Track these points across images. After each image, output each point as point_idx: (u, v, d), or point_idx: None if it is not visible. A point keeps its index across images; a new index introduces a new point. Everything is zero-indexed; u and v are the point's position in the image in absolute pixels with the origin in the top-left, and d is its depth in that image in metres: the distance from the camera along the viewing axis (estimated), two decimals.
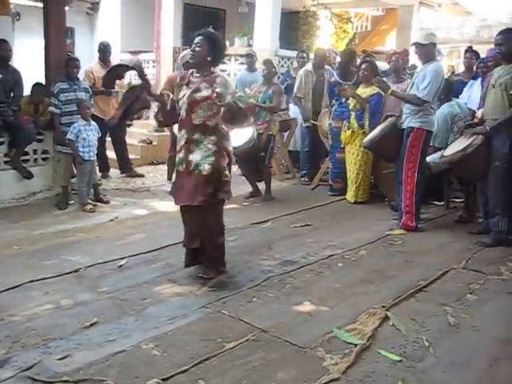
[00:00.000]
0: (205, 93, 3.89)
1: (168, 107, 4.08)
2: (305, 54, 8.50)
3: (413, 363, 2.97)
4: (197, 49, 3.91)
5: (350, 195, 6.65)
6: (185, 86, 4.05)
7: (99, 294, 3.77)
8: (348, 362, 2.93)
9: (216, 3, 13.46)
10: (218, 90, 3.87)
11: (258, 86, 6.77)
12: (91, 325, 3.30)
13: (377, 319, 3.44)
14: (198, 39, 3.92)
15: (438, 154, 5.60)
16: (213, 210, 4.06)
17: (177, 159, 4.05)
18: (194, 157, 3.91)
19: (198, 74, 4.01)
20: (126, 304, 3.62)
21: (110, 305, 3.61)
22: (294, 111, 7.92)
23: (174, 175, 4.19)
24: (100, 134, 6.29)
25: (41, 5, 7.36)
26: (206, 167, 3.88)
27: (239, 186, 7.39)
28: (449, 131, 5.85)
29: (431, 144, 5.64)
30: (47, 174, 6.34)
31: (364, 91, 6.43)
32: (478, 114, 5.28)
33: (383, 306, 3.61)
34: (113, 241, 4.95)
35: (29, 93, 6.27)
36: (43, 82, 6.46)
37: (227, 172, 4.03)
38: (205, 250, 4.14)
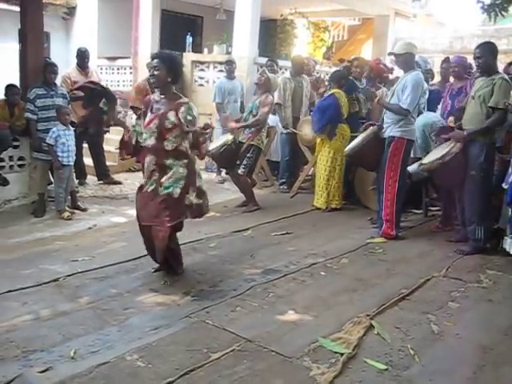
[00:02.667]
0: (173, 119, 3.92)
1: (130, 140, 4.15)
2: (274, 63, 8.56)
3: (399, 372, 2.98)
4: (156, 72, 3.94)
5: (320, 202, 6.65)
6: (149, 112, 4.04)
7: (80, 304, 3.70)
8: (335, 371, 2.93)
9: (194, 10, 13.42)
10: (182, 117, 3.92)
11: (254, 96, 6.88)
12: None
13: (361, 328, 3.44)
14: (155, 62, 3.95)
15: (418, 163, 5.65)
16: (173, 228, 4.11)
17: (146, 181, 4.05)
18: (167, 180, 3.95)
19: (162, 96, 4.03)
20: (108, 314, 3.56)
21: (91, 315, 3.54)
22: (272, 119, 7.92)
23: None
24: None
25: (16, 8, 7.26)
26: (177, 191, 3.95)
27: (218, 194, 7.39)
28: (428, 140, 5.92)
29: (412, 156, 5.71)
30: (23, 181, 6.22)
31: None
32: (450, 119, 5.36)
33: (367, 315, 3.62)
34: (92, 249, 4.87)
35: (2, 97, 6.16)
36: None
37: (190, 196, 4.05)
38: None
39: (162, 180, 3.95)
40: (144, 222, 4.07)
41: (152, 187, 3.98)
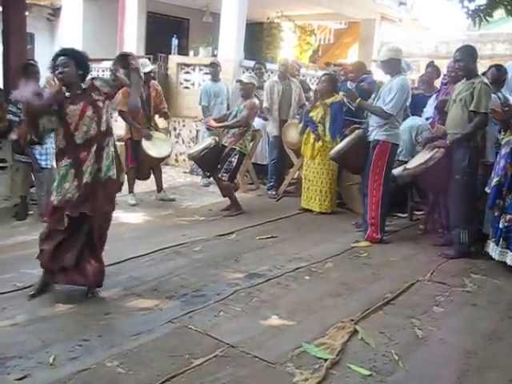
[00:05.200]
0: (99, 97, 3.85)
1: None
2: (261, 66, 8.54)
3: (383, 377, 2.95)
4: (66, 69, 3.80)
5: (325, 206, 6.58)
6: (72, 106, 3.81)
7: (61, 309, 3.63)
8: (318, 377, 2.89)
9: (180, 12, 13.40)
10: (101, 85, 3.87)
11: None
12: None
13: (346, 333, 3.41)
14: (62, 59, 3.80)
15: (402, 167, 5.66)
16: None
17: (87, 170, 3.83)
18: (105, 163, 3.87)
19: (79, 92, 3.86)
20: (89, 319, 3.49)
21: (72, 320, 3.48)
22: (258, 123, 7.89)
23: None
24: None
25: None
26: (113, 171, 3.91)
27: (203, 197, 7.36)
28: (413, 143, 5.93)
29: (396, 158, 5.71)
30: (5, 183, 6.10)
31: (326, 101, 6.48)
32: (438, 127, 5.37)
33: (352, 320, 3.59)
34: None
35: None
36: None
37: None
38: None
39: (102, 165, 3.85)
40: (91, 211, 3.83)
41: (92, 176, 3.82)
